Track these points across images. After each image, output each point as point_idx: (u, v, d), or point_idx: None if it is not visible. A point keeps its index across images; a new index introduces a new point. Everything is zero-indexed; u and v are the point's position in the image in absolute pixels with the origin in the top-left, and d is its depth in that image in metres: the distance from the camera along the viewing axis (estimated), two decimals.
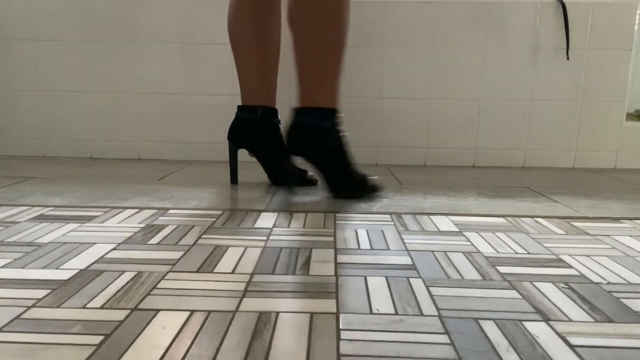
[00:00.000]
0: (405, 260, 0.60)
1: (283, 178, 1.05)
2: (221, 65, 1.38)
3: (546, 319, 0.45)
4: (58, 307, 0.46)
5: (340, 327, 0.43)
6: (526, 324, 0.44)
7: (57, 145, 1.44)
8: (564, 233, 0.73)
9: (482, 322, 0.44)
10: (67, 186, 1.01)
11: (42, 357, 0.37)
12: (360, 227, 0.75)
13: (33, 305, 0.46)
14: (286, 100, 1.37)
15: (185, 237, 0.68)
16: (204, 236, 0.68)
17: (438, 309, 0.46)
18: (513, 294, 0.50)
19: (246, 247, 0.64)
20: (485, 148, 1.41)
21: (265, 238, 0.68)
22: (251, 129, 1.02)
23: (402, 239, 0.69)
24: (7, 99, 1.42)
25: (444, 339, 0.41)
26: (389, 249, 0.64)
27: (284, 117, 1.36)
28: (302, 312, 0.45)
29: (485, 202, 0.93)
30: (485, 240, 0.69)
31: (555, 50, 1.35)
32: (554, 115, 1.39)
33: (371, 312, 0.45)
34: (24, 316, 0.44)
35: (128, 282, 0.52)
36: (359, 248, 0.64)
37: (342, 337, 0.41)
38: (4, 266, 0.56)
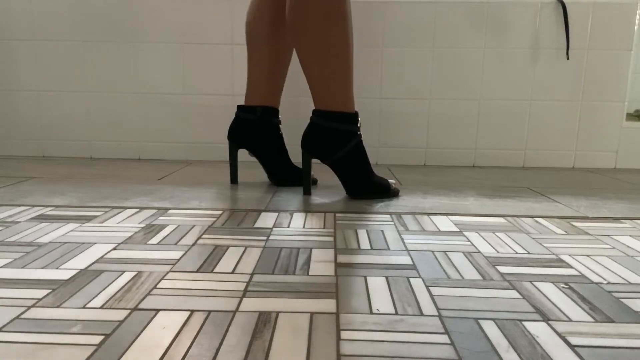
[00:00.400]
0: (405, 260, 0.60)
1: (282, 178, 1.05)
2: (221, 65, 1.38)
3: (546, 319, 0.45)
4: (58, 307, 0.46)
5: (340, 327, 0.43)
6: (526, 324, 0.44)
7: (57, 145, 1.44)
8: (564, 233, 0.73)
9: (482, 322, 0.44)
10: (67, 186, 1.01)
11: (42, 357, 0.37)
12: (360, 227, 0.75)
13: (33, 305, 0.46)
14: (292, 100, 1.37)
15: (185, 237, 0.68)
16: (204, 236, 0.68)
17: (438, 309, 0.46)
18: (513, 294, 0.50)
19: (246, 247, 0.64)
20: (485, 148, 1.41)
21: (265, 238, 0.68)
22: (250, 128, 1.03)
23: (402, 239, 0.69)
24: (7, 99, 1.42)
25: (444, 339, 0.41)
26: (389, 249, 0.64)
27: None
28: (302, 312, 0.45)
29: (485, 202, 0.93)
30: (485, 240, 0.69)
31: (555, 50, 1.35)
32: (554, 115, 1.39)
33: (371, 312, 0.45)
34: (24, 316, 0.44)
35: (128, 282, 0.52)
36: (359, 248, 0.64)
37: (342, 337, 0.41)
38: (4, 266, 0.56)
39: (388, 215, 0.82)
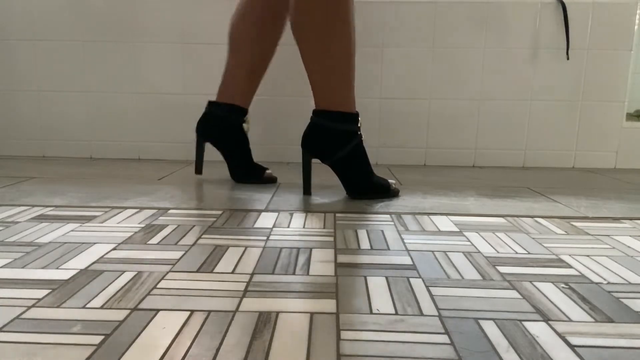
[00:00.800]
0: (405, 260, 0.60)
1: (245, 174, 1.08)
2: (221, 65, 1.37)
3: (546, 319, 0.45)
4: (58, 307, 0.46)
5: (340, 327, 0.43)
6: (526, 324, 0.44)
7: (57, 145, 1.44)
8: (564, 233, 0.73)
9: (482, 322, 0.44)
10: (67, 186, 1.01)
11: (42, 357, 0.37)
12: (360, 227, 0.75)
13: (33, 305, 0.46)
14: (292, 100, 1.37)
15: (185, 237, 0.68)
16: (204, 236, 0.68)
17: (438, 309, 0.46)
18: (513, 294, 0.50)
19: (246, 247, 0.64)
20: (485, 148, 1.41)
21: (265, 238, 0.68)
22: (220, 124, 1.07)
23: (402, 239, 0.69)
24: (7, 99, 1.42)
25: (444, 339, 0.41)
26: (389, 249, 0.64)
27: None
28: (302, 312, 0.45)
29: (485, 202, 0.93)
30: (485, 240, 0.69)
31: (555, 50, 1.35)
32: (554, 115, 1.39)
33: (371, 312, 0.45)
34: (24, 316, 0.44)
35: (128, 282, 0.52)
36: (359, 248, 0.64)
37: (342, 337, 0.41)
38: (4, 266, 0.56)
39: (388, 215, 0.82)
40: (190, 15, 1.36)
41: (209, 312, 0.45)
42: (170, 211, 0.82)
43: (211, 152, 1.42)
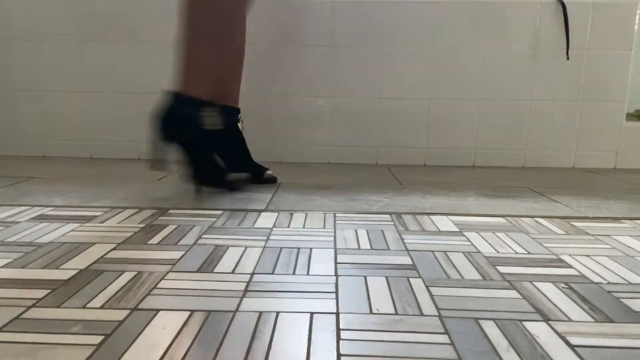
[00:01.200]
0: (405, 260, 0.60)
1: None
2: None
3: (546, 319, 0.45)
4: (58, 307, 0.46)
5: (340, 327, 0.43)
6: (526, 324, 0.44)
7: (57, 145, 1.44)
8: (564, 233, 0.73)
9: (482, 322, 0.44)
10: (67, 186, 1.01)
11: (42, 357, 0.37)
12: (360, 227, 0.75)
13: (33, 305, 0.46)
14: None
15: (185, 237, 0.68)
16: (204, 236, 0.68)
17: (438, 309, 0.46)
18: (513, 294, 0.50)
19: (246, 247, 0.64)
20: (485, 148, 1.41)
21: (265, 238, 0.68)
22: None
23: (402, 239, 0.69)
24: (7, 99, 1.42)
25: (444, 339, 0.41)
26: (389, 249, 0.64)
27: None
28: (302, 312, 0.45)
29: (485, 202, 0.93)
30: (485, 240, 0.69)
31: (555, 50, 1.35)
32: (553, 115, 1.38)
33: (371, 312, 0.45)
34: (24, 316, 0.44)
35: (128, 282, 0.52)
36: (359, 248, 0.64)
37: (342, 337, 0.41)
38: (4, 266, 0.56)
39: (388, 215, 0.82)
40: None
41: (209, 312, 0.45)
42: (170, 211, 0.82)
43: None
